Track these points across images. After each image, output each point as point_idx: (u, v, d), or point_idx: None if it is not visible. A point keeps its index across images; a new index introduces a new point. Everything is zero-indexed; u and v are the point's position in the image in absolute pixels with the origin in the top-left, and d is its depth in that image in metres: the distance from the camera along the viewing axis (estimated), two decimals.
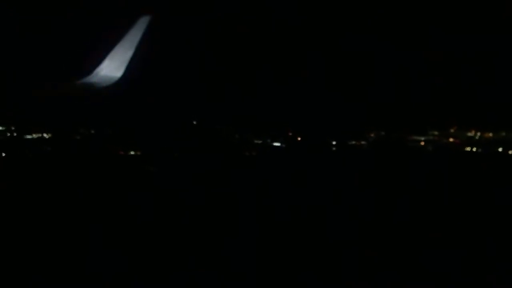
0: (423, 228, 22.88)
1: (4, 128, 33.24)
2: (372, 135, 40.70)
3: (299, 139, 40.16)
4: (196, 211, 24.21)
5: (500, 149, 39.98)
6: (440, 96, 40.15)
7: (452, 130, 40.92)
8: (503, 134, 40.70)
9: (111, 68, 20.64)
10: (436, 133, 40.73)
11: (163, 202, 25.42)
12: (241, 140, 39.72)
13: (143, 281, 16.74)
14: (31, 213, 23.35)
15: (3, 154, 32.97)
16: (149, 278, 16.97)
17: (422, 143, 40.71)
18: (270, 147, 40.18)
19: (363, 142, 40.77)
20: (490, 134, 40.87)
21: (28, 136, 33.93)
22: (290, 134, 40.03)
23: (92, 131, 34.28)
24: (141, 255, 18.60)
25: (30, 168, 31.59)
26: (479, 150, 40.43)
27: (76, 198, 25.05)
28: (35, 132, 33.63)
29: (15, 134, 33.68)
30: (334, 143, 40.83)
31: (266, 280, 17.23)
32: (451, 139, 40.72)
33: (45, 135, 34.29)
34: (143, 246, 19.48)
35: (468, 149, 40.58)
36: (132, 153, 34.07)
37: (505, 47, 37.89)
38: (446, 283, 17.37)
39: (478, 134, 40.87)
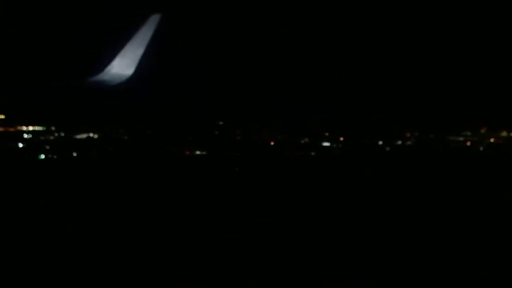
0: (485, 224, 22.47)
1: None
2: (408, 135, 40.09)
3: (341, 139, 39.83)
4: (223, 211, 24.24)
5: None
6: (463, 97, 39.55)
7: (482, 131, 39.95)
8: None
9: (122, 66, 20.97)
10: (468, 133, 39.85)
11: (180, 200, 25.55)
12: (283, 140, 39.60)
13: (143, 281, 16.76)
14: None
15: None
16: (149, 277, 17.00)
17: (469, 143, 39.88)
18: (318, 148, 39.92)
19: (409, 142, 40.19)
20: None
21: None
22: (327, 134, 39.74)
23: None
24: (144, 254, 18.65)
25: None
26: None
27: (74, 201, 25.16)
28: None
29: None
30: (380, 143, 40.38)
31: (267, 280, 17.12)
32: (492, 139, 39.75)
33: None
34: (147, 245, 19.53)
35: None
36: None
37: None
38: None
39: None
